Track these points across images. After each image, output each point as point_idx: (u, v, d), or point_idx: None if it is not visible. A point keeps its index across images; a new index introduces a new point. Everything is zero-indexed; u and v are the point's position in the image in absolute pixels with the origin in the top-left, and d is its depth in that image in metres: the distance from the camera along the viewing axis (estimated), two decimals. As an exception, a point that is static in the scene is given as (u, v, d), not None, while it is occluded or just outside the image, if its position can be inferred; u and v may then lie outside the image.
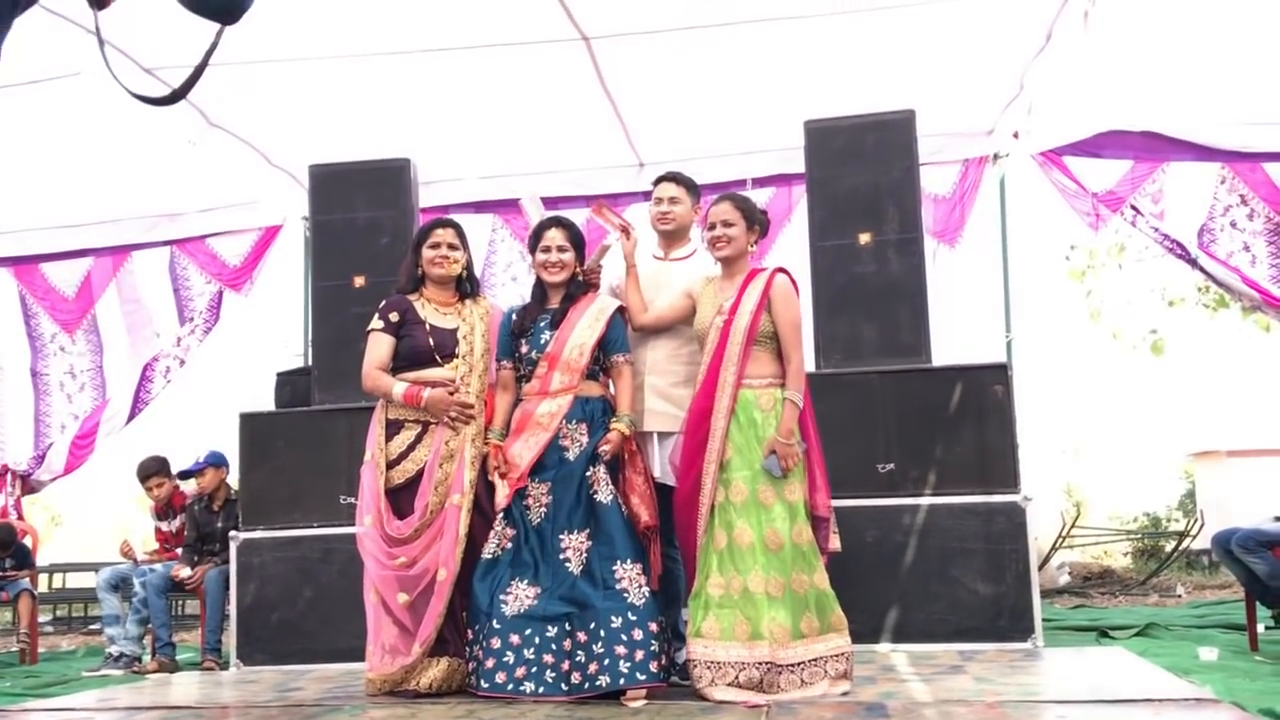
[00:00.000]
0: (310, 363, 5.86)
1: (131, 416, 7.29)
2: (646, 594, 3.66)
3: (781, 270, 3.86)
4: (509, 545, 3.83)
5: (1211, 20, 5.67)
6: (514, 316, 4.05)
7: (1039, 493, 5.04)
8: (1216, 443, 13.46)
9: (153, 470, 6.14)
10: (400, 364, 4.02)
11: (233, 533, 5.27)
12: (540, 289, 4.07)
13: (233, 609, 5.19)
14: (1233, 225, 6.33)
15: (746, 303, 3.75)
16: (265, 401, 5.72)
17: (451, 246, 4.11)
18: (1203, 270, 6.40)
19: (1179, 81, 6.13)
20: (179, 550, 6.00)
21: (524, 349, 3.95)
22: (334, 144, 5.86)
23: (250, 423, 5.37)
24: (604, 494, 3.78)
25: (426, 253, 4.10)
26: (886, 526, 4.77)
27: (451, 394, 3.94)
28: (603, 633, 3.59)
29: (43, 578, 9.25)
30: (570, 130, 6.46)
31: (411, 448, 3.98)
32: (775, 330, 3.74)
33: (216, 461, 5.96)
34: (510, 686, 3.64)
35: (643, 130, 6.53)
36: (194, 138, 6.05)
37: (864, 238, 5.11)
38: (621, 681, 3.53)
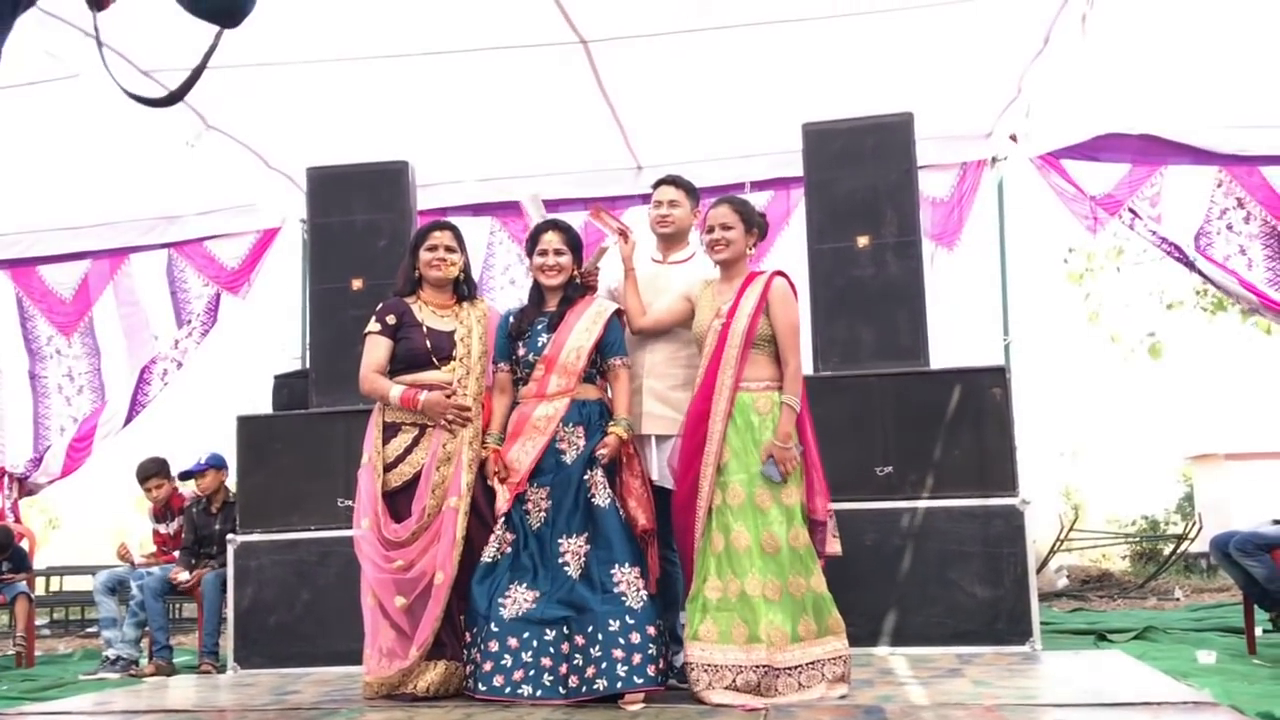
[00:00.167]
0: (308, 365, 5.85)
1: (129, 419, 7.29)
2: (644, 597, 3.66)
3: (780, 273, 3.86)
4: (508, 549, 3.82)
5: (1208, 24, 5.69)
6: (511, 319, 4.04)
7: (1037, 496, 5.04)
8: (1215, 446, 13.48)
9: (152, 471, 6.13)
10: (397, 366, 4.01)
11: (230, 536, 5.27)
12: (537, 292, 4.07)
13: (230, 612, 5.18)
14: (1229, 228, 6.34)
15: (744, 306, 3.75)
16: (263, 404, 5.72)
17: (449, 249, 4.10)
18: (1201, 273, 6.41)
19: (1176, 85, 6.16)
20: (176, 553, 6.00)
21: (521, 352, 3.95)
22: (332, 146, 5.86)
23: (247, 425, 5.37)
24: (602, 498, 3.78)
25: (423, 255, 4.10)
26: (884, 529, 4.77)
27: (448, 397, 3.94)
28: (601, 636, 3.59)
29: (40, 581, 9.25)
30: (568, 133, 6.46)
31: (409, 450, 3.97)
32: (773, 334, 3.74)
33: (217, 463, 5.94)
34: (508, 690, 3.63)
35: (641, 133, 6.54)
36: (192, 140, 6.05)
37: (862, 241, 5.10)
38: (619, 685, 3.52)
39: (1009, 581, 4.67)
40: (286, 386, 5.60)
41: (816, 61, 5.64)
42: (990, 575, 4.69)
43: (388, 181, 5.50)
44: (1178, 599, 8.18)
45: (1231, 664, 4.32)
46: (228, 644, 5.20)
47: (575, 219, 5.19)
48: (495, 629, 3.70)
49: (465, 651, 3.82)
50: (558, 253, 3.98)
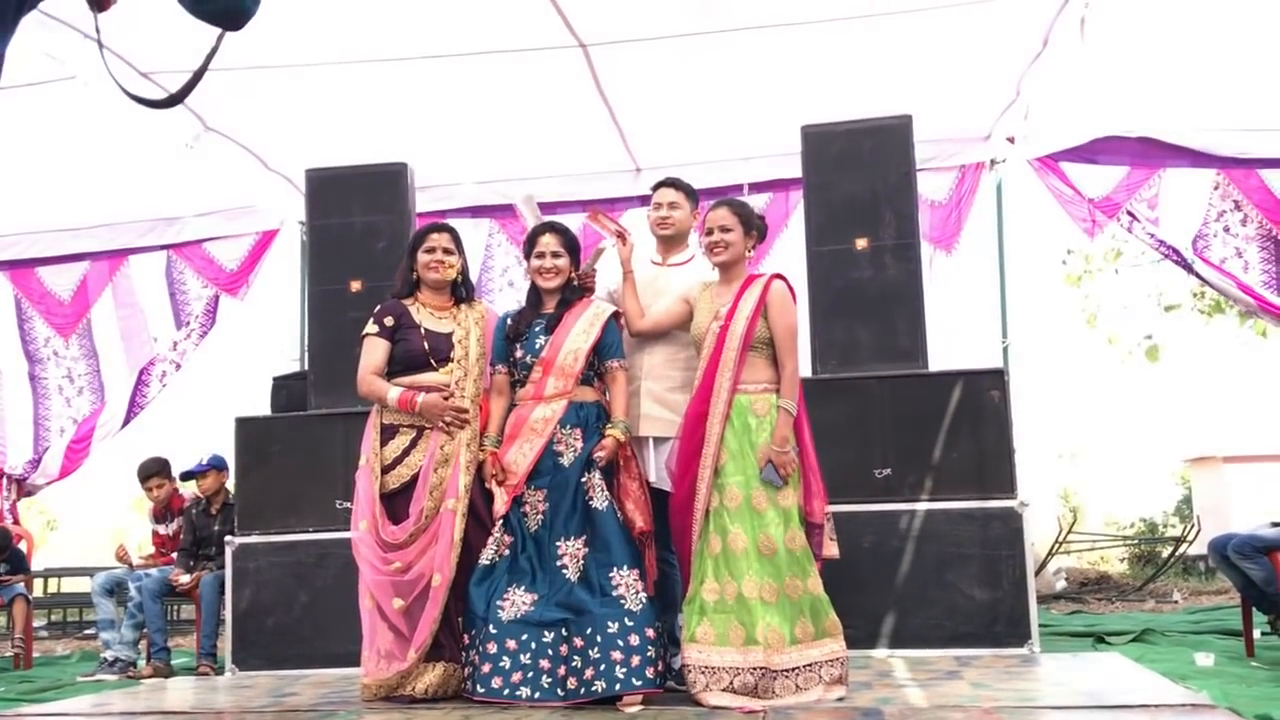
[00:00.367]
0: (306, 367, 5.85)
1: (127, 421, 7.29)
2: (643, 600, 3.66)
3: (778, 276, 3.86)
4: (506, 552, 3.82)
5: (1207, 27, 5.69)
6: (509, 321, 4.04)
7: (1035, 498, 5.05)
8: (1213, 448, 13.51)
9: (153, 471, 6.13)
10: (395, 368, 4.02)
11: (228, 537, 5.26)
12: (535, 294, 4.07)
13: (228, 614, 5.18)
14: (1226, 231, 6.36)
15: (743, 308, 3.75)
16: (261, 406, 5.71)
17: (446, 251, 4.10)
18: (1199, 276, 6.42)
19: (1175, 87, 6.15)
20: (175, 554, 5.99)
21: (519, 354, 3.95)
22: (331, 148, 5.86)
23: (246, 427, 5.36)
24: (599, 500, 3.78)
25: (421, 257, 4.10)
26: (883, 532, 4.77)
27: (446, 399, 3.94)
28: (599, 638, 3.59)
29: (38, 582, 9.25)
30: (567, 136, 6.46)
31: (406, 452, 3.97)
32: (771, 336, 3.74)
33: (219, 464, 5.94)
34: (506, 692, 3.63)
35: (639, 136, 6.54)
36: (191, 142, 6.05)
37: (861, 243, 5.11)
38: (617, 687, 3.52)
39: (1007, 584, 4.67)
40: (285, 388, 5.60)
41: (815, 64, 5.64)
42: (989, 577, 4.69)
43: (386, 183, 5.50)
44: (1176, 601, 8.18)
45: (1229, 666, 4.32)
46: (226, 646, 5.20)
47: (574, 221, 5.18)
48: (494, 631, 3.70)
49: (463, 653, 3.82)
50: (555, 255, 3.98)
